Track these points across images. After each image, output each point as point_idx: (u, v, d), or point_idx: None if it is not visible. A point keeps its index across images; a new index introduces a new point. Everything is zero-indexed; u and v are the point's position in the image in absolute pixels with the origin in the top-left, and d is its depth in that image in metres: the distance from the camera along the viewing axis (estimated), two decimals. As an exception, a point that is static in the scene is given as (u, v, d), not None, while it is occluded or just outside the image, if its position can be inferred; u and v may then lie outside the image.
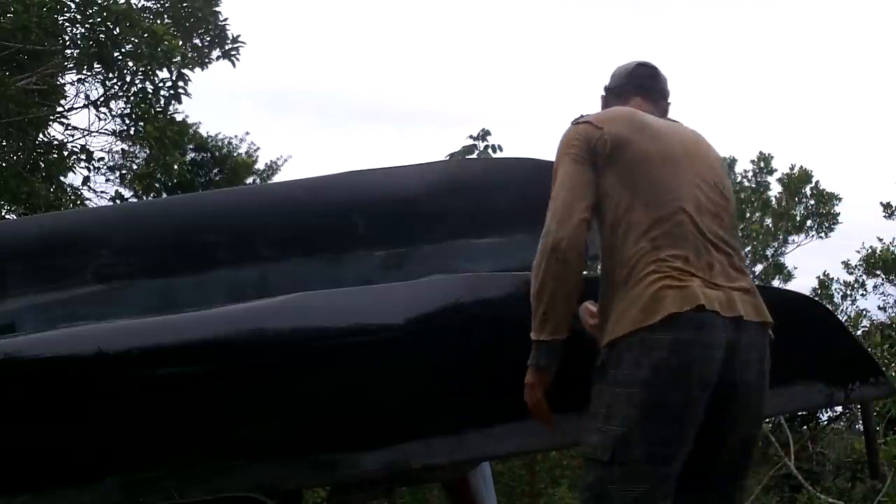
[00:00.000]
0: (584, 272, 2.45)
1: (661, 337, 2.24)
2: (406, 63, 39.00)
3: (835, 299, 14.79)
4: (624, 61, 2.69)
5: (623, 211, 2.35)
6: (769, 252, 15.29)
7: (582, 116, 2.50)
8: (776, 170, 15.71)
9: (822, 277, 14.97)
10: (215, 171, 15.03)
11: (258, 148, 16.05)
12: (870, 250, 15.10)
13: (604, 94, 2.75)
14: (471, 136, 7.61)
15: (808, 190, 15.49)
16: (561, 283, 2.34)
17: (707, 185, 2.41)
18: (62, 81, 9.97)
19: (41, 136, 10.09)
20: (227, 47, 9.83)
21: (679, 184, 2.37)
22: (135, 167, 11.67)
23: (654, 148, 2.39)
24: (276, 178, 15.71)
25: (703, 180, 2.42)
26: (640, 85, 2.60)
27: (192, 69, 9.51)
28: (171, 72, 9.24)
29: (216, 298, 3.08)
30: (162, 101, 9.38)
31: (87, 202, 10.82)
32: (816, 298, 9.52)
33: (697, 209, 2.37)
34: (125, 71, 9.21)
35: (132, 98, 9.41)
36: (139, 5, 9.39)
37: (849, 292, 15.01)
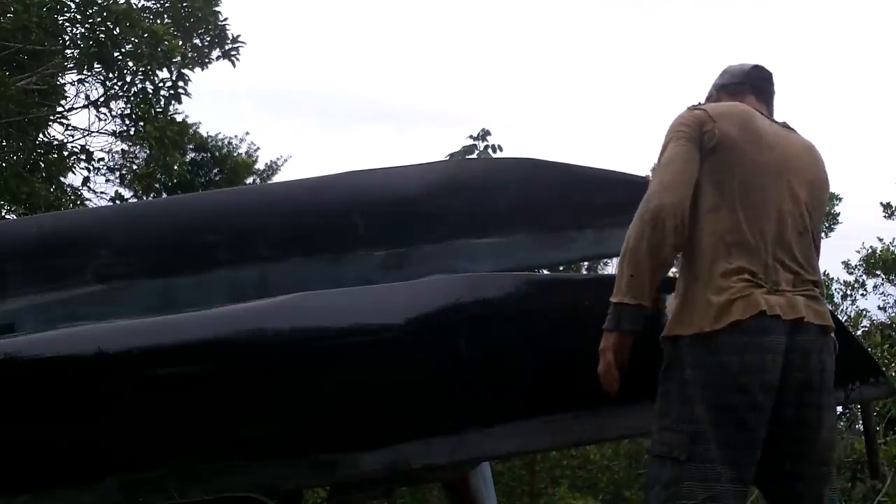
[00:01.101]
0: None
1: (724, 340, 2.28)
2: (406, 63, 39.04)
3: (835, 299, 14.79)
4: (737, 61, 2.70)
5: (708, 208, 2.39)
6: (769, 252, 15.28)
7: (700, 104, 2.54)
8: (776, 170, 15.72)
9: (821, 277, 14.97)
10: (215, 171, 15.03)
11: (258, 148, 16.06)
12: (870, 250, 15.11)
13: (713, 91, 2.74)
14: (471, 136, 7.62)
15: (808, 190, 15.50)
16: (655, 251, 2.34)
17: (795, 201, 2.44)
18: (62, 81, 9.97)
19: (41, 136, 10.09)
20: (227, 47, 9.84)
21: (766, 196, 2.39)
22: (135, 167, 11.67)
23: (755, 155, 2.41)
24: (276, 178, 15.71)
25: (793, 196, 2.43)
26: (756, 86, 2.62)
27: (192, 69, 9.52)
28: (171, 72, 9.24)
29: (216, 298, 3.08)
30: (162, 102, 9.39)
31: (87, 202, 10.82)
32: (816, 298, 9.50)
33: (778, 225, 2.40)
34: (125, 71, 9.22)
35: (132, 98, 9.42)
36: (139, 5, 9.40)
37: (849, 292, 15.01)
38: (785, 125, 2.60)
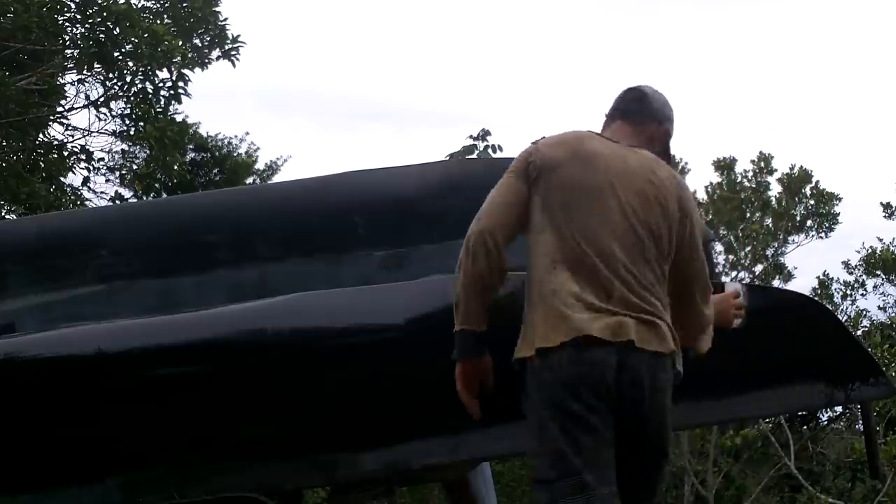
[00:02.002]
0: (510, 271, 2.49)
1: (555, 359, 2.34)
2: (405, 63, 39.04)
3: (835, 299, 14.81)
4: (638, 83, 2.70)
5: (537, 231, 2.44)
6: (769, 252, 15.29)
7: (541, 138, 2.59)
8: (776, 170, 15.72)
9: (822, 277, 15.00)
10: (215, 171, 15.03)
11: (258, 148, 16.05)
12: (870, 250, 15.13)
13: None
14: (471, 136, 7.61)
15: (808, 190, 15.50)
16: (470, 277, 2.43)
17: (634, 218, 2.41)
18: (62, 81, 9.98)
19: (41, 136, 10.09)
20: (226, 47, 9.83)
21: (591, 214, 2.40)
22: (135, 167, 11.66)
23: (582, 176, 2.43)
24: (276, 178, 15.71)
25: (629, 214, 2.41)
26: (624, 109, 2.62)
27: (192, 69, 9.52)
28: (171, 72, 9.25)
29: (216, 298, 3.08)
30: (162, 102, 9.39)
31: (87, 202, 10.81)
32: (816, 298, 9.52)
33: (610, 241, 2.40)
34: (125, 71, 9.22)
35: (132, 98, 9.43)
36: (139, 5, 9.40)
37: (849, 292, 15.04)
38: (630, 148, 2.55)
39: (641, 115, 2.58)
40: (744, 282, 12.92)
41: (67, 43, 9.28)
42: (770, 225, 15.37)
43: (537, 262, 2.44)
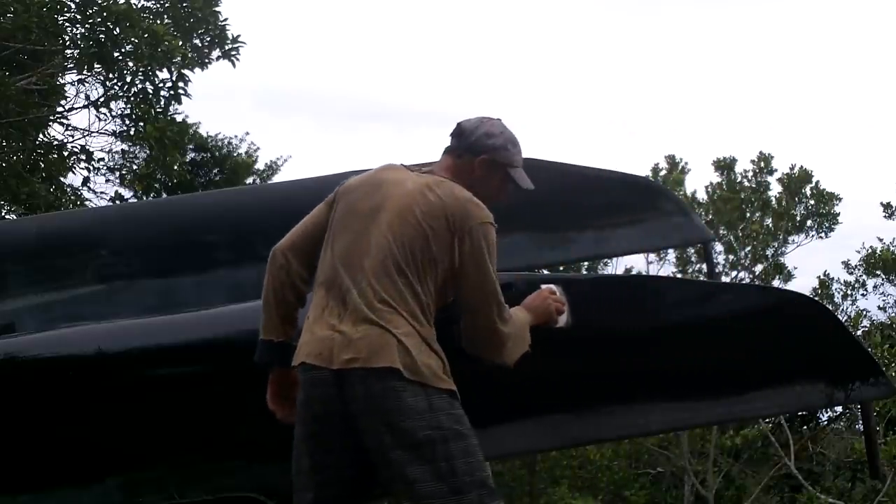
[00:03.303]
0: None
1: (300, 378, 2.45)
2: (405, 63, 39.06)
3: (835, 299, 14.81)
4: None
5: (321, 254, 2.56)
6: (769, 252, 15.29)
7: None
8: (776, 170, 15.71)
9: (822, 277, 14.99)
10: (215, 171, 15.03)
11: (258, 148, 16.05)
12: (870, 250, 15.12)
13: None
14: (471, 136, 7.60)
15: (808, 190, 15.49)
16: (268, 289, 2.58)
17: (390, 238, 2.45)
18: (62, 81, 9.97)
19: (41, 136, 10.09)
20: (226, 47, 9.82)
21: (348, 234, 2.49)
22: (135, 167, 11.65)
23: (360, 202, 2.53)
24: (276, 178, 15.70)
25: (385, 234, 2.45)
26: (448, 146, 2.69)
27: (192, 69, 9.51)
28: (171, 72, 9.24)
29: (216, 298, 3.08)
30: (162, 102, 9.39)
31: (86, 202, 10.81)
32: (816, 298, 9.52)
33: (358, 259, 2.45)
34: (125, 71, 9.22)
35: (132, 98, 9.42)
36: (139, 5, 9.39)
37: (849, 292, 15.04)
38: (438, 175, 2.60)
39: (459, 148, 2.65)
40: (746, 285, 12.93)
41: (67, 43, 9.28)
42: (770, 225, 15.36)
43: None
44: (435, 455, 2.30)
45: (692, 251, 14.13)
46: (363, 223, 2.49)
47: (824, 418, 14.98)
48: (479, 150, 2.63)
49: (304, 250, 2.58)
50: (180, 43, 9.18)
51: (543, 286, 2.72)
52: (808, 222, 15.50)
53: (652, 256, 14.94)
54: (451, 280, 2.45)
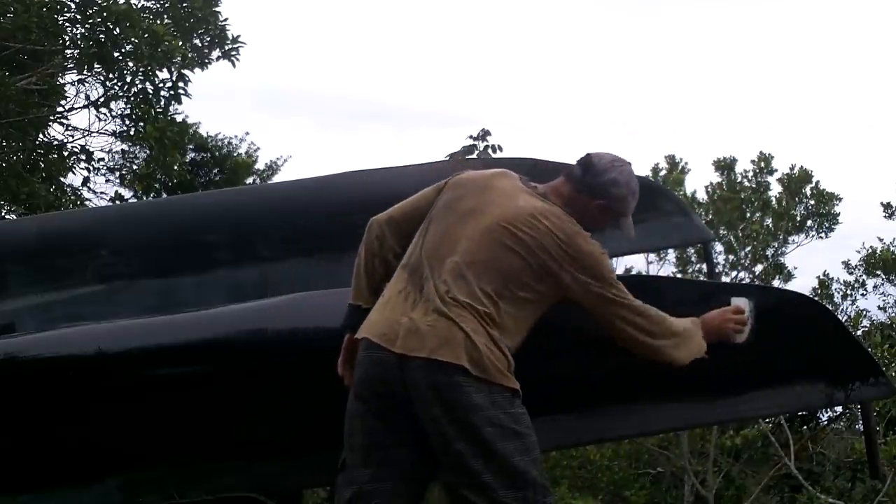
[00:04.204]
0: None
1: (359, 353, 2.51)
2: (405, 63, 39.05)
3: (835, 299, 14.79)
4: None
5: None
6: (769, 252, 15.29)
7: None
8: (776, 170, 15.69)
9: (822, 277, 14.97)
10: (215, 171, 15.01)
11: (258, 148, 16.02)
12: (870, 250, 15.11)
13: None
14: (471, 136, 7.59)
15: (808, 190, 15.48)
16: (361, 257, 2.65)
17: (480, 245, 2.48)
18: (62, 81, 9.96)
19: (41, 136, 10.08)
20: (226, 47, 9.81)
21: (442, 228, 2.54)
22: (135, 168, 11.64)
23: (457, 198, 2.58)
24: (276, 178, 15.69)
25: (476, 240, 2.49)
26: (570, 169, 2.68)
27: (192, 69, 9.51)
28: (171, 72, 9.23)
29: (216, 298, 3.08)
30: (162, 102, 9.38)
31: (86, 202, 10.80)
32: (816, 298, 9.52)
33: (444, 255, 2.48)
34: (125, 71, 9.21)
35: (132, 98, 9.41)
36: (139, 5, 9.38)
37: (849, 292, 15.01)
38: (542, 195, 2.61)
39: (581, 183, 2.64)
40: (746, 285, 12.91)
41: (67, 43, 9.27)
42: (770, 225, 15.34)
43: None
44: (495, 451, 2.36)
45: (692, 251, 14.11)
46: (459, 222, 2.53)
47: (824, 418, 14.96)
48: (600, 195, 2.64)
49: (401, 227, 2.64)
50: (180, 43, 9.17)
51: (733, 300, 2.75)
52: (808, 222, 15.48)
53: (652, 256, 14.93)
54: (544, 305, 2.53)
